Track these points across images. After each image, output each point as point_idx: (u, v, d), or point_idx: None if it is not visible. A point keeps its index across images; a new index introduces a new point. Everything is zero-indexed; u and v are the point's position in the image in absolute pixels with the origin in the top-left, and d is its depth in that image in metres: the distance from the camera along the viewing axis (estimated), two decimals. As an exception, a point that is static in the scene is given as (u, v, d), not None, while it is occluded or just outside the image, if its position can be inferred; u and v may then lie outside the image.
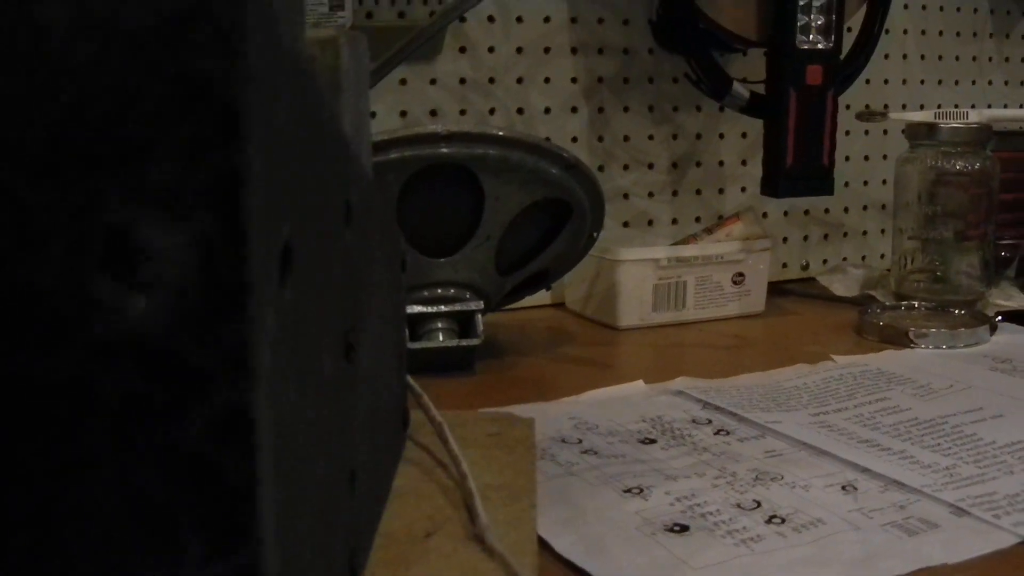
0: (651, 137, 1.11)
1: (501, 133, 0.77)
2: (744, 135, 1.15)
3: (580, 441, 0.64)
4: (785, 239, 1.21)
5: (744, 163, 1.16)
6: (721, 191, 1.16)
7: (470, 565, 0.42)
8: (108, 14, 0.21)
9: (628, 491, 0.56)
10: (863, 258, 1.25)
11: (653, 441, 0.64)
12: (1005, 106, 1.30)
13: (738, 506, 0.54)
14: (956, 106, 1.22)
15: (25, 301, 0.21)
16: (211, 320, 0.21)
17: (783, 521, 0.52)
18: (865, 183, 1.25)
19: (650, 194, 1.12)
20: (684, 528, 0.51)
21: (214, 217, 0.21)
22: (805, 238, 1.23)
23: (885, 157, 1.24)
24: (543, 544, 0.48)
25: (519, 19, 1.03)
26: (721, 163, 1.15)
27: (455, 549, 0.44)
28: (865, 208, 1.25)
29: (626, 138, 1.09)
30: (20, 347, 0.21)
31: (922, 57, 1.26)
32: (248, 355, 0.21)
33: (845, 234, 1.25)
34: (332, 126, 0.32)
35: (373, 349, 0.42)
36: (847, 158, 1.21)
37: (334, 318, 0.32)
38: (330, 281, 0.31)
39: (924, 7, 1.24)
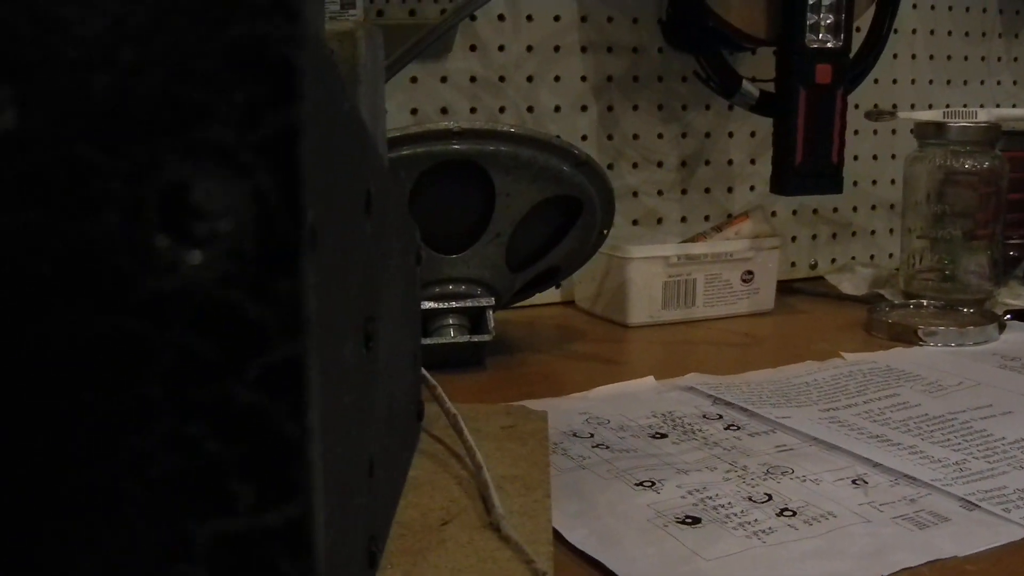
0: (660, 135, 1.11)
1: (512, 130, 0.77)
2: (753, 134, 1.15)
3: (591, 435, 0.64)
4: (794, 238, 1.21)
5: (753, 162, 1.16)
6: (730, 189, 1.16)
7: (486, 553, 0.43)
8: None
9: (640, 484, 0.56)
10: (871, 257, 1.26)
11: (664, 436, 0.64)
12: (1014, 105, 1.30)
13: (749, 499, 0.54)
14: (965, 105, 1.22)
15: (86, 258, 0.22)
16: (267, 274, 0.22)
17: (794, 514, 0.52)
18: (874, 182, 1.25)
19: (659, 192, 1.12)
20: (696, 520, 0.51)
21: (271, 174, 0.21)
22: (814, 237, 1.23)
23: (894, 156, 1.24)
24: (557, 536, 0.48)
25: (529, 18, 1.03)
26: (730, 162, 1.15)
27: (471, 538, 0.44)
28: (874, 207, 1.25)
29: (635, 136, 1.10)
30: (81, 302, 0.22)
31: (931, 57, 1.26)
32: (302, 307, 0.22)
33: (854, 233, 1.25)
34: (353, 115, 0.32)
35: (390, 341, 0.43)
36: (856, 157, 1.21)
37: (355, 306, 0.32)
38: (351, 269, 0.31)
39: (933, 7, 1.24)
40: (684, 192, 1.13)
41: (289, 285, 0.22)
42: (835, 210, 1.23)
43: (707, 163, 1.14)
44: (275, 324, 0.22)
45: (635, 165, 1.10)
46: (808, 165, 0.99)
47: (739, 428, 0.66)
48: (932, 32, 1.25)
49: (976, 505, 0.53)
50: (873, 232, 1.26)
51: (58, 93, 0.21)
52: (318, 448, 0.22)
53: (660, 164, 1.11)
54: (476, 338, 0.80)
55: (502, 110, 1.03)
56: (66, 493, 0.23)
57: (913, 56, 1.25)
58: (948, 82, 1.27)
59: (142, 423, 0.22)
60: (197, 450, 0.22)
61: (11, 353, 0.22)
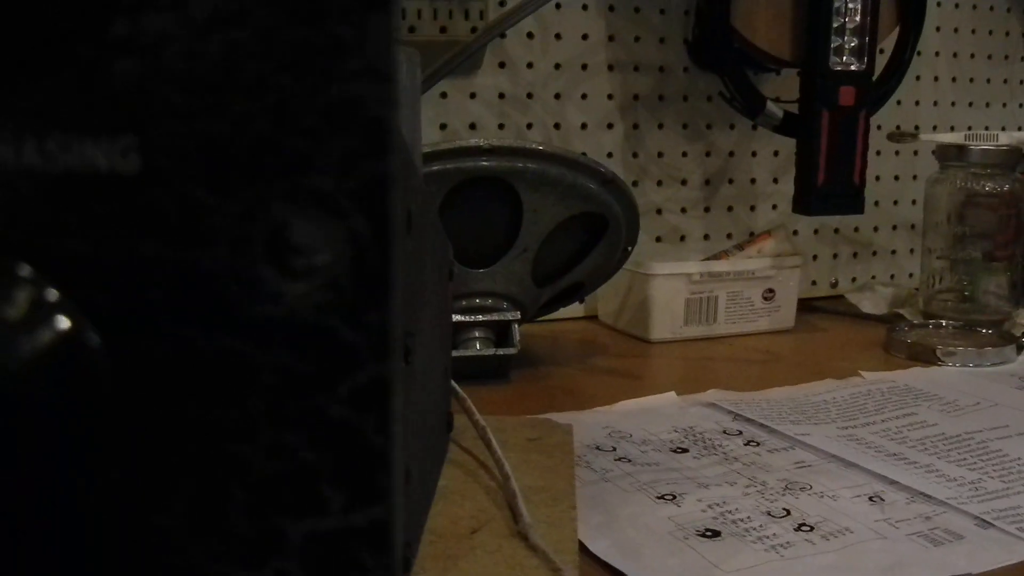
0: (685, 154, 1.12)
1: (541, 147, 0.78)
2: (776, 153, 1.16)
3: (614, 449, 0.65)
4: (815, 257, 1.22)
5: (776, 181, 1.17)
6: (752, 208, 1.17)
7: (515, 561, 0.44)
8: (271, 44, 0.24)
9: (661, 497, 0.57)
10: (891, 277, 1.27)
11: (685, 450, 0.65)
12: (1035, 129, 1.31)
13: (768, 513, 0.55)
14: (986, 128, 1.24)
15: (198, 286, 0.24)
16: (360, 303, 0.24)
17: (812, 529, 0.53)
18: (895, 203, 1.26)
19: (683, 210, 1.13)
20: (716, 533, 0.52)
21: (365, 217, 0.24)
22: (835, 256, 1.24)
23: (915, 177, 1.25)
24: (580, 546, 0.50)
25: (558, 36, 1.04)
26: (753, 180, 1.17)
27: (500, 545, 0.46)
28: (894, 228, 1.26)
29: (660, 154, 1.11)
30: (192, 325, 0.24)
31: (953, 79, 1.27)
32: (390, 333, 0.24)
33: (874, 253, 1.26)
34: (400, 141, 0.34)
35: (424, 354, 0.44)
36: (877, 178, 1.22)
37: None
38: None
39: (956, 30, 1.25)
40: (707, 210, 1.15)
41: (379, 314, 0.25)
42: (856, 229, 1.24)
43: (730, 181, 1.15)
44: (366, 347, 0.24)
45: (659, 183, 1.12)
46: (830, 186, 1.00)
47: (759, 444, 0.67)
48: (955, 55, 1.26)
49: (991, 524, 0.54)
50: (893, 252, 1.27)
51: (177, 141, 0.24)
52: (400, 457, 0.24)
53: (684, 182, 1.13)
54: (502, 351, 0.82)
55: (529, 127, 1.04)
56: (177, 493, 0.25)
57: (936, 78, 1.26)
58: (970, 104, 1.28)
59: (245, 433, 0.24)
60: (294, 458, 0.24)
61: (130, 370, 0.25)
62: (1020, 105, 1.31)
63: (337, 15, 0.24)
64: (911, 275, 1.26)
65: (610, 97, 1.08)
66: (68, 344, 0.23)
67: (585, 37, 1.06)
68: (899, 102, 1.19)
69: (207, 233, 0.24)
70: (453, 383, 0.59)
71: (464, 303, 0.82)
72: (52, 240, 0.24)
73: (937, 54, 1.25)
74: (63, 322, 0.23)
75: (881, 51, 1.04)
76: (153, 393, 0.25)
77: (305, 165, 0.24)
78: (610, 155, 1.08)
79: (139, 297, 0.24)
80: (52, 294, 0.23)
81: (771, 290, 1.02)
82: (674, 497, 0.57)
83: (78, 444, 0.23)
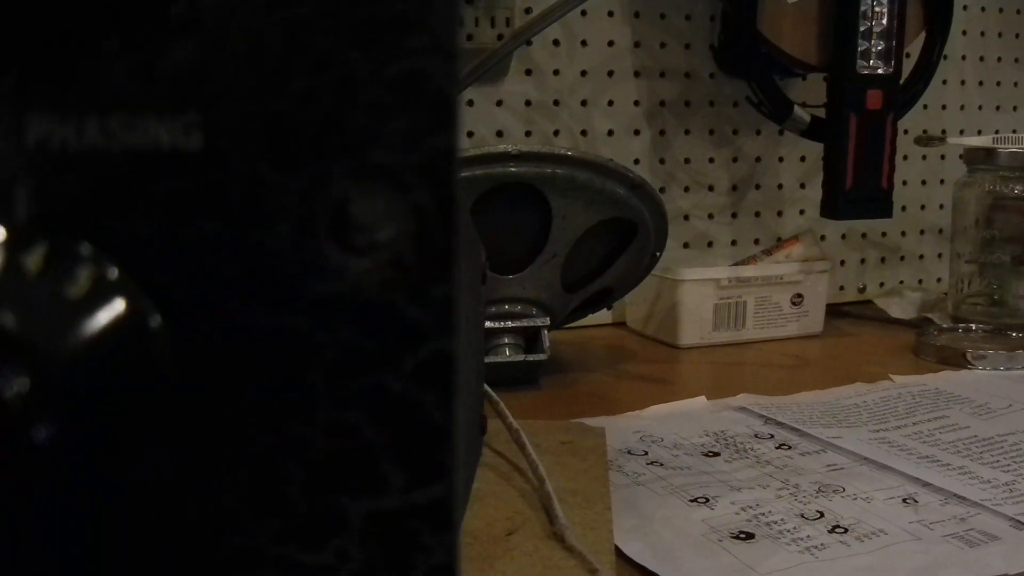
0: (712, 160, 1.12)
1: (569, 153, 0.79)
2: (803, 158, 1.16)
3: (646, 453, 0.65)
4: (843, 262, 1.22)
5: (803, 186, 1.17)
6: (780, 213, 1.17)
7: (552, 562, 0.44)
8: (334, 20, 0.24)
9: (694, 500, 0.57)
10: (920, 281, 1.26)
11: (717, 454, 0.65)
12: (1063, 132, 1.31)
13: (802, 516, 0.55)
14: (1014, 131, 1.23)
15: (261, 264, 0.25)
16: (424, 279, 0.25)
17: (846, 531, 0.53)
18: (922, 207, 1.26)
19: (710, 215, 1.13)
20: (750, 536, 0.52)
21: (429, 192, 0.24)
22: (862, 261, 1.24)
23: (942, 182, 1.25)
24: (615, 548, 0.50)
25: (584, 43, 1.05)
26: (780, 186, 1.17)
27: (536, 547, 0.46)
28: (922, 232, 1.26)
29: (687, 160, 1.11)
30: (256, 302, 0.25)
31: (980, 83, 1.27)
32: (453, 308, 0.25)
33: (902, 257, 1.26)
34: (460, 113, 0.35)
35: (461, 354, 0.44)
36: (905, 182, 1.22)
37: None
38: None
39: (983, 33, 1.25)
40: (734, 216, 1.15)
41: (443, 289, 0.25)
42: (884, 234, 1.24)
43: (757, 187, 1.15)
44: (429, 323, 0.25)
45: (686, 189, 1.12)
46: (858, 190, 1.00)
47: (790, 447, 0.67)
48: (981, 58, 1.26)
49: (1025, 525, 0.54)
50: (921, 256, 1.27)
51: (239, 118, 0.24)
52: (461, 435, 0.25)
53: (711, 188, 1.13)
54: (531, 357, 0.82)
55: (556, 134, 1.05)
56: (238, 473, 0.25)
57: (962, 82, 1.26)
58: (997, 108, 1.28)
59: (306, 410, 0.25)
60: (354, 435, 0.25)
61: (192, 349, 0.25)
62: (1047, 108, 1.31)
63: None
64: (939, 280, 1.26)
65: (636, 103, 1.08)
66: (129, 323, 0.23)
67: (611, 44, 1.06)
68: (926, 106, 1.19)
69: (270, 210, 0.25)
70: (486, 386, 0.59)
71: (494, 309, 0.82)
72: (114, 219, 0.24)
73: (964, 58, 1.25)
74: (124, 302, 0.23)
75: (907, 55, 1.04)
76: (215, 372, 0.25)
77: (369, 141, 0.24)
78: (637, 161, 1.08)
79: (201, 276, 0.25)
80: (113, 273, 0.24)
81: (799, 295, 1.02)
82: (707, 500, 0.57)
83: (140, 423, 0.24)
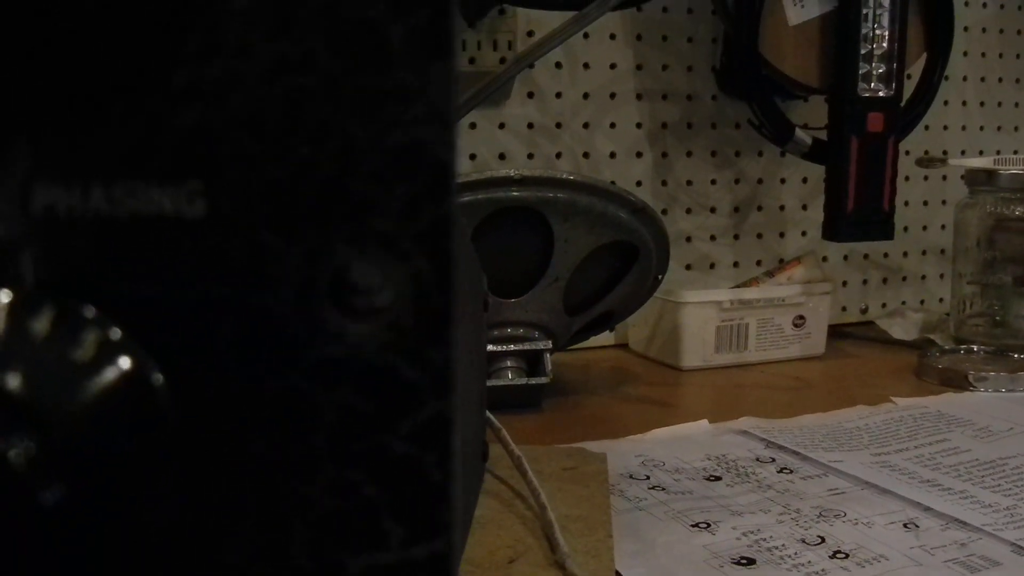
0: (714, 182, 1.13)
1: (572, 177, 0.79)
2: (805, 180, 1.17)
3: (648, 477, 0.66)
4: (845, 283, 1.22)
5: (805, 207, 1.18)
6: (782, 235, 1.17)
7: (553, 590, 0.45)
8: (336, 90, 0.25)
9: (696, 526, 0.57)
10: (922, 302, 1.27)
11: (718, 478, 0.66)
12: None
13: (803, 541, 0.55)
14: (1015, 152, 1.23)
15: (264, 327, 0.25)
16: (422, 343, 0.25)
17: (847, 556, 0.53)
18: (924, 228, 1.26)
19: (712, 237, 1.14)
20: (751, 561, 0.53)
21: (427, 258, 0.25)
22: (864, 282, 1.24)
23: (944, 202, 1.25)
24: (616, 575, 0.50)
25: (586, 66, 1.05)
26: (782, 207, 1.17)
27: (537, 575, 0.46)
28: (924, 253, 1.26)
29: (689, 182, 1.12)
30: (258, 365, 0.25)
31: (981, 104, 1.27)
32: (451, 372, 0.25)
33: (904, 278, 1.26)
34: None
35: (463, 385, 0.45)
36: (906, 203, 1.22)
37: None
38: None
39: (984, 54, 1.25)
40: (736, 237, 1.15)
41: (441, 352, 0.25)
42: (886, 255, 1.24)
43: (759, 209, 1.16)
44: (427, 386, 0.25)
45: (688, 210, 1.12)
46: (860, 212, 1.00)
47: (792, 471, 0.67)
48: (983, 79, 1.26)
49: (1026, 550, 0.54)
50: (924, 277, 1.27)
51: (242, 186, 0.25)
52: (459, 491, 0.25)
53: (713, 210, 1.13)
54: (534, 380, 0.82)
55: (559, 156, 1.05)
56: (241, 530, 0.26)
57: (964, 103, 1.26)
58: (999, 128, 1.28)
59: (309, 470, 0.25)
60: (355, 494, 0.25)
61: (197, 406, 0.25)
62: (1049, 129, 1.31)
63: (401, 62, 0.25)
64: (941, 300, 1.26)
65: (639, 126, 1.08)
66: (132, 385, 0.24)
67: (613, 66, 1.06)
68: (927, 127, 1.19)
69: (272, 275, 0.25)
70: (488, 413, 0.59)
71: (496, 333, 0.82)
72: (118, 283, 0.25)
73: (965, 79, 1.25)
74: (127, 364, 0.24)
75: (909, 76, 1.04)
76: (218, 432, 0.25)
77: (369, 209, 0.25)
78: (639, 183, 1.09)
79: (204, 338, 0.25)
80: (116, 335, 0.24)
81: (801, 317, 1.02)
82: (708, 525, 0.57)
83: (145, 483, 0.24)
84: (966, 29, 1.23)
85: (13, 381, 0.21)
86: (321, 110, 0.25)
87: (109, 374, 0.23)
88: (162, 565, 0.25)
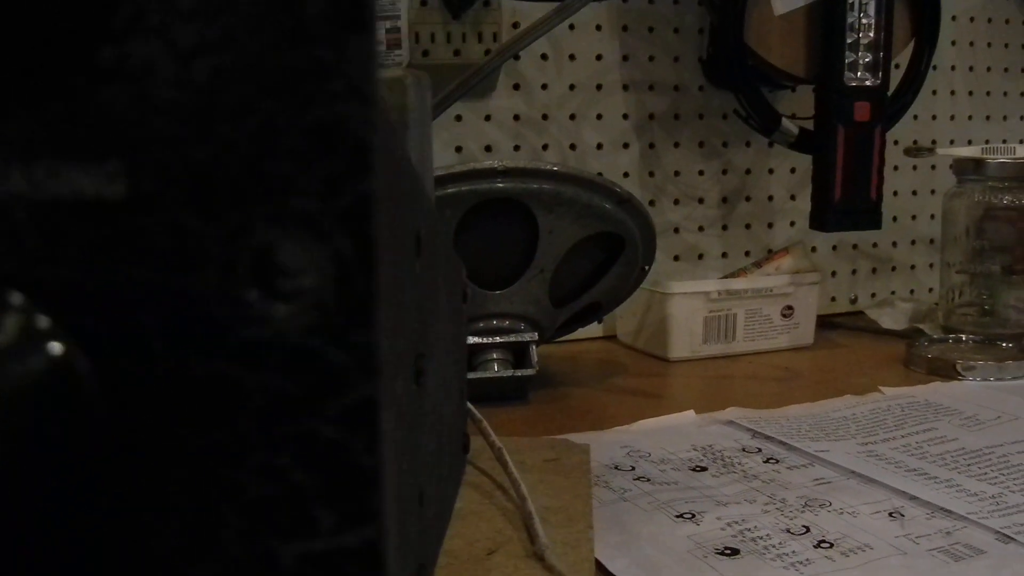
0: (701, 172, 1.13)
1: (556, 168, 0.79)
2: (793, 170, 1.16)
3: (633, 468, 0.65)
4: (833, 273, 1.22)
5: (793, 198, 1.17)
6: (770, 225, 1.17)
7: (531, 582, 0.44)
8: (254, 69, 0.24)
9: (680, 516, 0.57)
10: (911, 292, 1.26)
11: (704, 469, 0.65)
12: (1053, 141, 1.31)
13: (787, 531, 0.55)
14: (1004, 141, 1.24)
15: (186, 310, 0.25)
16: (346, 324, 0.25)
17: (831, 546, 0.53)
18: (913, 217, 1.26)
19: (700, 228, 1.13)
20: (735, 552, 0.52)
21: (350, 238, 0.25)
22: (853, 272, 1.24)
23: (933, 192, 1.25)
24: (599, 566, 0.50)
25: (572, 57, 1.05)
26: (770, 198, 1.17)
27: (516, 567, 0.46)
28: (913, 242, 1.26)
29: (676, 173, 1.11)
30: (182, 349, 0.25)
31: (970, 93, 1.27)
32: (376, 353, 0.25)
33: (893, 268, 1.26)
34: (405, 163, 0.34)
35: (438, 376, 0.44)
36: (895, 193, 1.22)
37: (406, 344, 0.34)
38: (403, 309, 0.33)
39: (972, 43, 1.25)
40: (725, 228, 1.15)
41: (365, 334, 0.25)
42: (875, 245, 1.24)
43: (747, 199, 1.15)
44: (353, 368, 0.25)
45: (676, 201, 1.12)
46: (847, 202, 1.00)
47: (778, 461, 0.67)
48: (971, 68, 1.26)
49: (1012, 538, 0.54)
50: (912, 267, 1.27)
51: (162, 166, 0.24)
52: (390, 477, 0.25)
53: (701, 200, 1.13)
54: (520, 372, 0.82)
55: (545, 148, 1.05)
56: (170, 518, 0.26)
57: (952, 92, 1.26)
58: (987, 118, 1.28)
59: (237, 456, 0.25)
60: (284, 480, 0.25)
61: (122, 394, 0.25)
62: (1038, 118, 1.31)
63: (318, 38, 0.24)
64: (930, 290, 1.26)
65: (625, 117, 1.08)
66: (57, 369, 0.23)
67: (599, 57, 1.06)
68: (915, 116, 1.19)
69: (194, 257, 0.25)
70: (469, 404, 0.59)
71: (482, 325, 0.82)
72: (41, 267, 0.25)
73: (953, 68, 1.25)
74: (53, 348, 0.24)
75: (896, 66, 1.04)
76: (145, 417, 0.25)
77: (289, 188, 0.24)
78: (626, 175, 1.08)
79: (128, 321, 0.25)
80: (40, 321, 0.24)
81: (790, 307, 1.02)
82: (693, 516, 0.57)
83: (70, 468, 0.24)
84: (954, 18, 1.23)
85: None
86: (239, 88, 0.24)
87: (33, 360, 0.23)
88: (91, 554, 0.25)
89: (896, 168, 1.21)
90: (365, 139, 0.24)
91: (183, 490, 0.25)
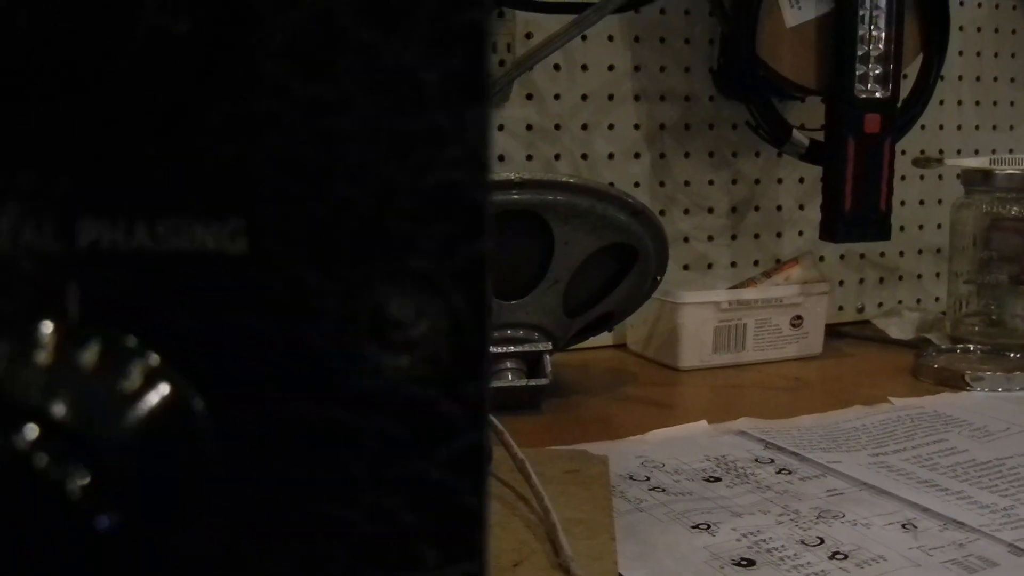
0: (711, 182, 1.13)
1: (571, 180, 0.79)
2: (802, 180, 1.17)
3: (648, 479, 0.66)
4: (841, 282, 1.23)
5: (802, 207, 1.18)
6: (779, 235, 1.18)
7: (557, 594, 0.45)
8: (373, 132, 0.26)
9: (696, 527, 0.58)
10: (918, 301, 1.27)
11: (718, 479, 0.66)
12: (1060, 152, 1.31)
13: (802, 542, 0.56)
14: (1011, 151, 1.24)
15: (307, 360, 0.26)
16: (457, 376, 0.26)
17: (846, 557, 0.54)
18: (920, 227, 1.26)
19: (710, 238, 1.14)
20: (751, 563, 0.53)
21: (464, 296, 0.26)
22: (861, 281, 1.24)
23: (940, 202, 1.26)
24: (619, 576, 0.51)
25: (584, 67, 1.06)
26: (779, 207, 1.17)
27: (542, 579, 0.47)
28: (920, 252, 1.27)
29: (687, 183, 1.12)
30: (302, 396, 0.26)
31: (977, 103, 1.27)
32: (484, 403, 0.27)
33: (900, 277, 1.26)
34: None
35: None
36: (903, 203, 1.23)
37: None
38: None
39: (979, 54, 1.26)
40: (734, 237, 1.15)
41: (475, 386, 0.27)
42: (882, 254, 1.25)
43: (757, 209, 1.16)
44: (462, 417, 0.26)
45: (686, 211, 1.12)
46: (856, 213, 1.01)
47: (791, 472, 0.68)
48: (978, 78, 1.27)
49: None
50: (920, 276, 1.28)
51: (283, 224, 0.26)
52: (488, 515, 0.26)
53: (711, 210, 1.14)
54: (533, 382, 0.83)
55: (557, 157, 1.05)
56: (282, 555, 0.27)
57: (959, 102, 1.26)
58: (994, 127, 1.29)
59: (349, 496, 0.27)
60: (394, 519, 0.26)
61: (243, 438, 0.27)
62: (1044, 128, 1.32)
63: (437, 106, 0.26)
64: (938, 299, 1.26)
65: (637, 127, 1.09)
66: (175, 410, 0.25)
67: (611, 68, 1.07)
68: (923, 126, 1.20)
69: (312, 310, 0.26)
70: (491, 416, 0.60)
71: (496, 334, 0.83)
72: (162, 316, 0.26)
73: (960, 78, 1.26)
74: (169, 391, 0.25)
75: (905, 76, 1.05)
76: (261, 458, 0.27)
77: (406, 247, 0.26)
78: (637, 184, 1.09)
79: (246, 369, 0.26)
80: (159, 364, 0.25)
81: (799, 317, 1.03)
82: (708, 527, 0.58)
83: (189, 505, 0.25)
84: (961, 28, 1.23)
85: (63, 410, 0.22)
86: (358, 151, 0.26)
87: (153, 401, 0.24)
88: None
89: (903, 178, 1.22)
90: (479, 202, 0.26)
91: (295, 528, 0.27)
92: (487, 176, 0.26)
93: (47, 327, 0.24)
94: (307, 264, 0.26)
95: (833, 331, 1.13)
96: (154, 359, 0.25)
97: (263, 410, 0.26)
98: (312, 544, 0.27)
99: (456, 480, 0.27)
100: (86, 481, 0.22)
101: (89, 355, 0.24)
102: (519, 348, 0.83)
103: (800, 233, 1.18)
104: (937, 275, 1.27)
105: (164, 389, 0.25)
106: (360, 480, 0.27)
